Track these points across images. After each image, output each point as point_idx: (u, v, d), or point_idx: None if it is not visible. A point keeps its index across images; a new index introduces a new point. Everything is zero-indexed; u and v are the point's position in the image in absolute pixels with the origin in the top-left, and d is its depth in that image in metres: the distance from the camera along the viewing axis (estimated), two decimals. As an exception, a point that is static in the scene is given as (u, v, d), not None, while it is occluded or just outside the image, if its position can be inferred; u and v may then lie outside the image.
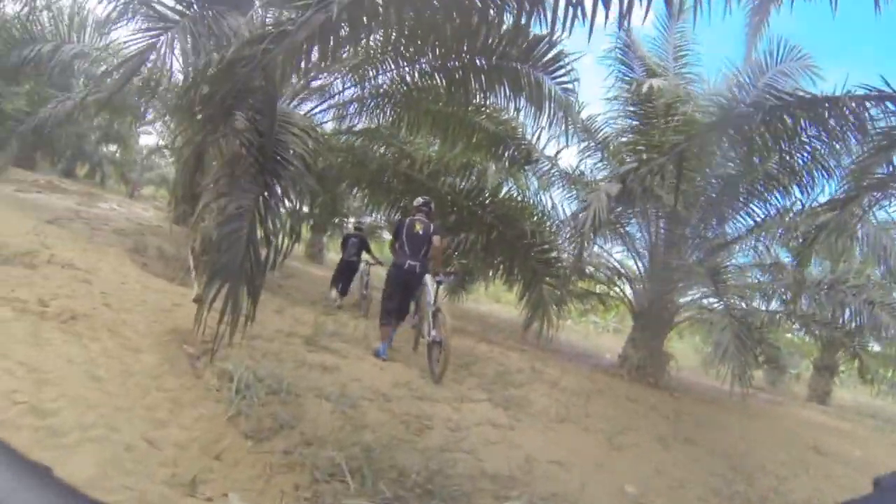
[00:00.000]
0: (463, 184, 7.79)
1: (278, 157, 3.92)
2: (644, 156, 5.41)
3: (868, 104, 3.18)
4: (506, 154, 7.90)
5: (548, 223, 8.04)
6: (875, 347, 10.07)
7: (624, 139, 8.00)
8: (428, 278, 4.91)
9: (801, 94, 3.45)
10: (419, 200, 5.33)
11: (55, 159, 19.99)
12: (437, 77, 6.68)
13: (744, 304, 5.86)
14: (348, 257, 7.97)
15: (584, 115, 8.30)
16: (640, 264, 8.74)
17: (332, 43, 5.33)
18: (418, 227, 5.04)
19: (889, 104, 3.14)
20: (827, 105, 3.29)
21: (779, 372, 12.58)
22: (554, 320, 6.97)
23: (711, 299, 6.32)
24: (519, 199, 7.98)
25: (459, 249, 8.12)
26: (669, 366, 8.09)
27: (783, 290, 8.23)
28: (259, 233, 3.33)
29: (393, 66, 6.91)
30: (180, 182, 8.28)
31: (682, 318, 8.66)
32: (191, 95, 4.69)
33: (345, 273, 7.93)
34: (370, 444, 2.72)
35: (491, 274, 9.55)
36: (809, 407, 11.14)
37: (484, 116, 7.52)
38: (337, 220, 14.56)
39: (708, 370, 11.80)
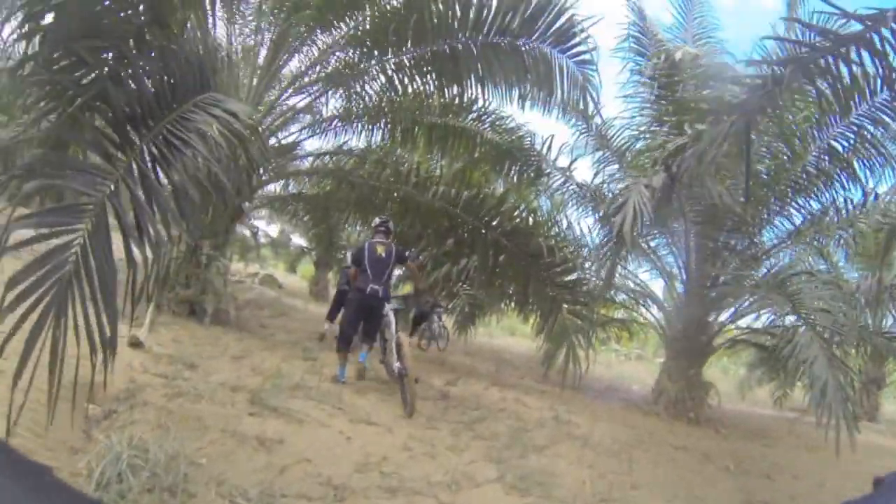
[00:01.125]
0: (461, 194, 6.47)
1: (172, 136, 2.72)
2: (688, 129, 4.26)
3: None
4: (513, 169, 7.01)
5: (567, 240, 6.99)
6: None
7: (646, 139, 6.99)
8: (388, 307, 4.63)
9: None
10: (377, 220, 5.03)
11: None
12: (428, 76, 5.76)
13: (830, 322, 4.48)
14: (339, 287, 7.50)
15: (596, 120, 7.42)
16: (669, 283, 7.72)
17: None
18: (380, 250, 4.69)
19: None
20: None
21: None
22: (581, 355, 5.77)
23: (790, 317, 4.95)
24: (530, 211, 6.79)
25: (462, 277, 7.11)
26: (710, 396, 6.96)
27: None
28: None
29: (376, 63, 5.86)
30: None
31: (723, 340, 7.46)
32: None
33: (338, 303, 7.29)
34: None
35: (503, 304, 8.32)
36: (861, 426, 9.74)
37: (486, 126, 6.71)
38: (341, 255, 13.08)
39: (744, 395, 10.93)
